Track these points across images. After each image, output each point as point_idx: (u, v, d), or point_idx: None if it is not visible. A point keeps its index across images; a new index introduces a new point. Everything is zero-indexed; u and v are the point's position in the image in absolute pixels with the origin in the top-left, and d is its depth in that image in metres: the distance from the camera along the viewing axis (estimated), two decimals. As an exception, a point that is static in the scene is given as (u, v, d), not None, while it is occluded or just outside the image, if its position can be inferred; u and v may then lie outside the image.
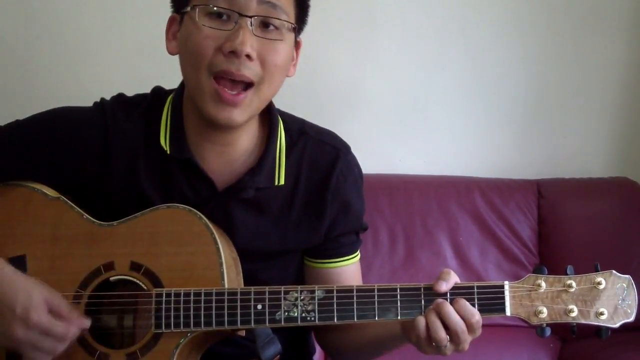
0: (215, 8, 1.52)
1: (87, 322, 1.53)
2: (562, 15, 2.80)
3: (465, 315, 1.46)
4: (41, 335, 1.48)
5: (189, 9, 1.55)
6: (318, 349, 1.91)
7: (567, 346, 2.55)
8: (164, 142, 1.65)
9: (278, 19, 1.55)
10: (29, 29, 2.66)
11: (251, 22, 1.52)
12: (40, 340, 1.48)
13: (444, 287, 1.48)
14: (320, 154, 1.72)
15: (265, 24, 1.54)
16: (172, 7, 1.65)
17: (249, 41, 1.51)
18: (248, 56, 1.51)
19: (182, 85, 1.69)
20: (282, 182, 1.68)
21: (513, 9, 2.79)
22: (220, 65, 1.51)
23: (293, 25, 1.59)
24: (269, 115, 1.70)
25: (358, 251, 1.80)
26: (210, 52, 1.52)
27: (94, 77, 2.65)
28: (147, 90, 1.76)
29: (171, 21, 1.64)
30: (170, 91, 1.73)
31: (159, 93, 1.73)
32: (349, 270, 1.77)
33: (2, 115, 1.72)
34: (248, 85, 1.55)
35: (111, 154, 1.65)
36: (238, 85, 1.54)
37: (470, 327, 1.46)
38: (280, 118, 1.72)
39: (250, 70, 1.53)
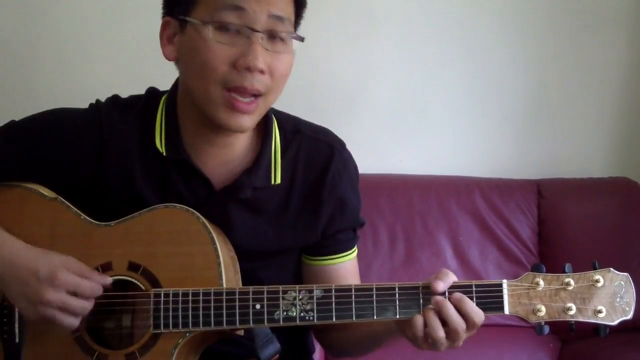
0: (227, 24, 1.51)
1: (108, 279, 1.55)
2: (562, 15, 2.80)
3: (470, 313, 1.46)
4: (69, 295, 1.50)
5: (197, 22, 1.53)
6: (317, 347, 1.91)
7: (566, 346, 2.55)
8: (160, 143, 1.65)
9: (285, 31, 1.55)
10: (30, 29, 2.66)
11: (262, 37, 1.52)
12: (69, 300, 1.50)
13: (441, 286, 1.48)
14: (315, 151, 1.72)
15: (272, 36, 1.54)
16: (165, 10, 1.63)
17: (261, 57, 1.51)
18: (261, 71, 1.52)
19: (175, 86, 1.69)
20: (278, 181, 1.68)
21: (513, 9, 2.79)
22: (234, 81, 1.51)
23: (300, 37, 1.59)
24: (263, 115, 1.70)
25: (355, 247, 1.80)
26: (223, 68, 1.51)
27: (93, 77, 2.65)
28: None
29: (165, 25, 1.62)
30: (164, 92, 1.72)
31: (153, 94, 1.73)
32: (346, 266, 1.77)
33: (2, 116, 1.72)
34: (258, 94, 1.55)
35: (107, 156, 1.65)
36: (249, 95, 1.54)
37: (473, 325, 1.46)
38: (274, 117, 1.72)
39: (261, 83, 1.53)
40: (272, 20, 1.53)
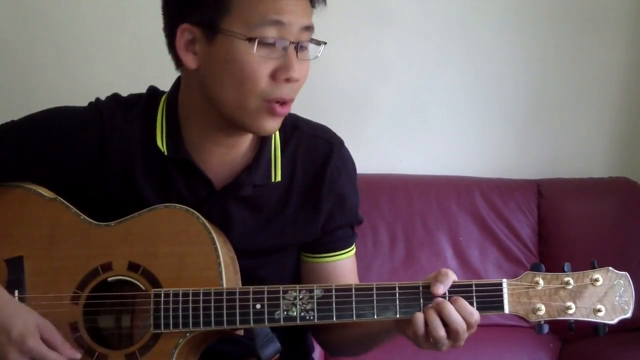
0: (269, 39, 1.51)
1: (77, 355, 1.54)
2: (562, 15, 2.80)
3: (464, 315, 1.46)
4: None
5: (237, 35, 1.50)
6: (317, 347, 1.91)
7: (567, 346, 2.55)
8: (161, 143, 1.65)
9: (309, 40, 1.57)
10: (29, 29, 2.66)
11: (295, 47, 1.53)
12: None
13: (441, 290, 1.49)
14: (314, 148, 1.73)
15: (300, 45, 1.55)
16: (175, 16, 1.57)
17: (297, 67, 1.53)
18: (296, 80, 1.54)
19: (176, 86, 1.68)
20: (278, 178, 1.68)
21: (513, 9, 2.79)
22: (274, 92, 1.53)
23: (322, 42, 1.60)
24: None
25: (354, 245, 1.80)
26: (264, 80, 1.52)
27: (93, 77, 2.65)
28: (145, 90, 1.75)
29: (183, 32, 1.56)
30: (164, 92, 1.72)
31: (154, 93, 1.73)
32: (345, 264, 1.77)
33: (2, 116, 1.72)
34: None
35: (108, 154, 1.64)
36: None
37: (468, 325, 1.47)
38: None
39: (294, 91, 1.56)
40: (303, 30, 1.54)
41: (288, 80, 1.52)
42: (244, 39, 1.50)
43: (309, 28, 1.56)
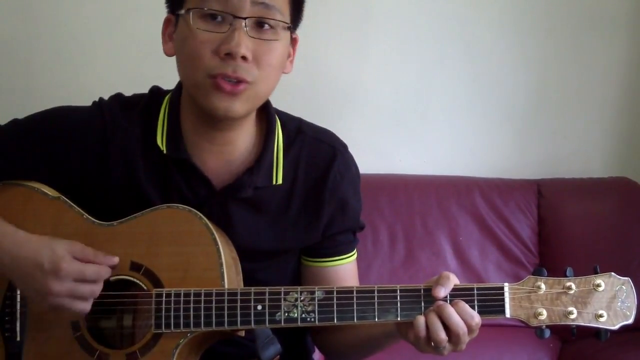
0: (208, 10, 1.52)
1: (115, 259, 1.56)
2: (562, 15, 2.80)
3: (465, 318, 1.47)
4: (76, 282, 1.51)
5: (183, 11, 1.55)
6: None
7: (566, 346, 2.55)
8: (161, 142, 1.65)
9: (272, 19, 1.55)
10: (29, 28, 2.66)
11: (245, 24, 1.52)
12: (77, 287, 1.51)
13: (442, 292, 1.49)
14: (318, 152, 1.73)
15: (260, 24, 1.54)
16: (167, 8, 1.65)
17: (244, 43, 1.51)
18: (244, 57, 1.52)
19: (179, 85, 1.69)
20: (280, 181, 1.68)
21: (513, 9, 2.79)
22: (217, 68, 1.51)
23: (288, 25, 1.59)
24: (266, 115, 1.70)
25: (355, 250, 1.81)
26: (207, 56, 1.52)
27: (94, 77, 2.64)
28: (147, 90, 1.76)
29: (167, 22, 1.64)
30: (168, 91, 1.73)
31: (156, 93, 1.74)
32: (345, 269, 1.78)
33: (2, 116, 1.72)
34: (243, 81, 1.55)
35: (110, 153, 1.65)
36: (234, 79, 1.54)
37: (469, 328, 1.47)
38: (277, 117, 1.72)
39: (246, 72, 1.53)
40: (258, 7, 1.53)
41: (230, 55, 1.51)
42: (186, 13, 1.53)
43: (266, 5, 1.53)
